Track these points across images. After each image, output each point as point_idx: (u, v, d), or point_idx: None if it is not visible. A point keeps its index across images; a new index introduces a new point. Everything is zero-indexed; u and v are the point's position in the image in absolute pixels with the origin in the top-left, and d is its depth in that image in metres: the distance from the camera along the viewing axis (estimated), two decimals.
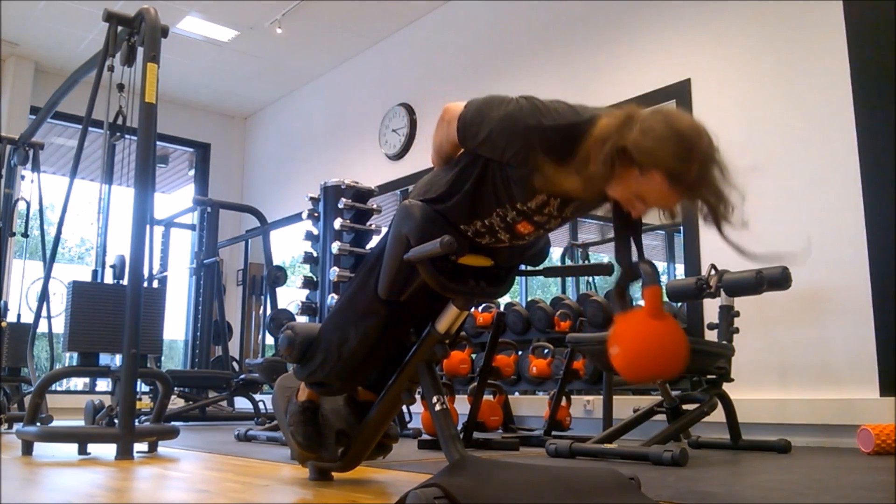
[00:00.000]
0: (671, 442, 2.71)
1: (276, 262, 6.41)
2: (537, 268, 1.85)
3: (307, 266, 4.05)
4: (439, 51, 5.86)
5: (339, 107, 6.94)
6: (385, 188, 5.86)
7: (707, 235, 3.89)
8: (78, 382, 7.48)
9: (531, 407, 4.46)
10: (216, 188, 7.98)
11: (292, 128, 7.59)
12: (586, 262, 5.19)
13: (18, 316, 4.90)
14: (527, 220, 1.59)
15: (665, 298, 3.60)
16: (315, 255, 3.97)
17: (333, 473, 2.08)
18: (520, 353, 4.12)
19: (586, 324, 3.78)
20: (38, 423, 3.02)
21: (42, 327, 3.74)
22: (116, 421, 2.80)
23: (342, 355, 1.82)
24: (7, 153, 4.84)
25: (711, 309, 3.48)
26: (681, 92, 4.11)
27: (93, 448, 2.92)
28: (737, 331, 3.10)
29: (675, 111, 1.39)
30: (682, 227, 4.04)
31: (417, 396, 1.84)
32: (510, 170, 1.51)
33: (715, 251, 3.80)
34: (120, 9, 3.32)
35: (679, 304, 4.11)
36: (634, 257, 1.49)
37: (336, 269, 3.76)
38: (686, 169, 1.30)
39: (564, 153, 1.42)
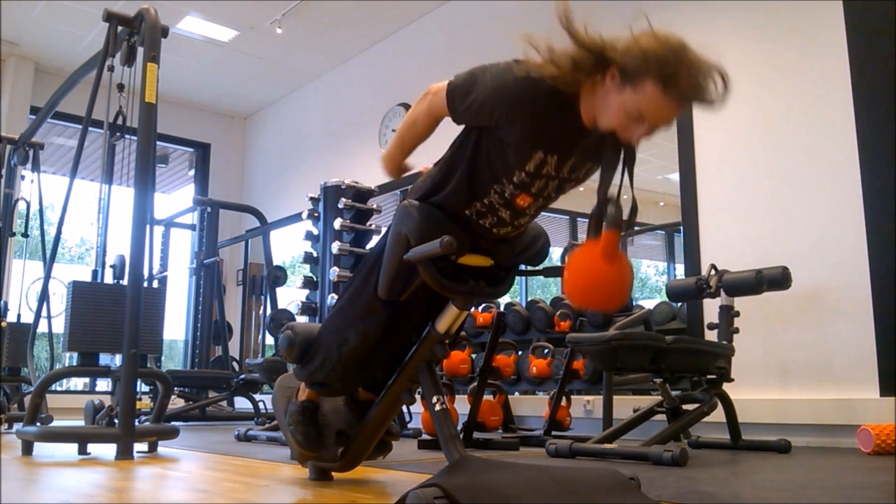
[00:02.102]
0: (671, 442, 2.71)
1: (276, 262, 6.41)
2: (537, 268, 1.85)
3: (307, 266, 4.06)
4: (439, 51, 5.86)
5: (339, 107, 6.94)
6: (385, 188, 5.85)
7: (707, 235, 3.89)
8: (78, 382, 7.48)
9: (531, 407, 4.46)
10: (216, 188, 7.99)
11: (292, 128, 7.59)
12: None
13: (18, 316, 4.89)
14: (525, 192, 1.58)
15: (665, 299, 3.61)
16: (315, 255, 3.97)
17: (333, 473, 2.08)
18: (520, 353, 4.12)
19: (586, 324, 3.78)
20: (38, 423, 3.02)
21: (42, 327, 3.74)
22: (116, 421, 2.80)
23: (342, 356, 1.82)
24: (7, 153, 4.84)
25: (711, 309, 3.48)
26: None
27: (93, 448, 2.92)
28: (737, 331, 3.10)
29: (657, 29, 1.41)
30: (682, 227, 4.03)
31: (417, 396, 1.84)
32: (503, 132, 1.52)
33: (715, 251, 3.80)
34: (120, 9, 3.32)
35: (679, 303, 4.11)
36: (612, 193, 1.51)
37: (336, 269, 3.76)
38: (677, 69, 1.33)
39: (549, 105, 1.46)
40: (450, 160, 1.65)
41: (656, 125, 1.42)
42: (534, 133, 1.49)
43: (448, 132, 1.67)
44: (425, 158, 1.82)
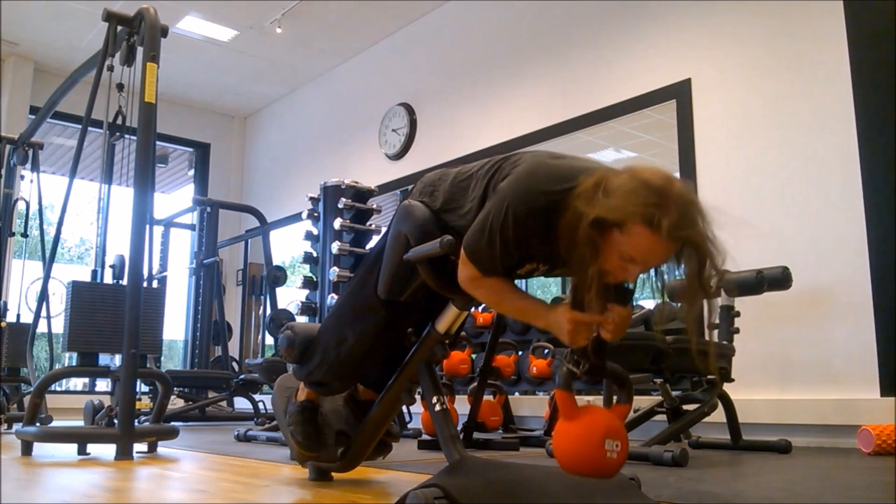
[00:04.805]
0: (671, 442, 2.70)
1: (275, 262, 6.41)
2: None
3: (307, 266, 4.05)
4: (439, 51, 5.85)
5: (339, 107, 6.93)
6: (385, 188, 5.86)
7: None
8: (77, 382, 7.48)
9: (531, 407, 4.46)
10: (216, 188, 7.98)
11: (292, 128, 7.59)
12: None
13: (18, 316, 4.89)
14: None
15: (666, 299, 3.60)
16: (315, 255, 3.97)
17: (333, 474, 2.08)
18: (520, 353, 4.12)
19: None
20: (38, 424, 3.02)
21: (42, 327, 3.74)
22: (116, 421, 2.80)
23: (340, 355, 1.82)
24: (7, 153, 4.84)
25: None
26: (681, 92, 4.11)
27: (92, 448, 2.92)
28: (737, 331, 3.10)
29: (640, 166, 1.34)
30: None
31: (417, 396, 1.83)
32: None
33: None
34: (120, 9, 3.31)
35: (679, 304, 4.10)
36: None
37: (336, 269, 3.76)
38: (663, 212, 1.26)
39: (547, 231, 1.42)
40: (468, 199, 1.59)
41: (649, 265, 1.38)
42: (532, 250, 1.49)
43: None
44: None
